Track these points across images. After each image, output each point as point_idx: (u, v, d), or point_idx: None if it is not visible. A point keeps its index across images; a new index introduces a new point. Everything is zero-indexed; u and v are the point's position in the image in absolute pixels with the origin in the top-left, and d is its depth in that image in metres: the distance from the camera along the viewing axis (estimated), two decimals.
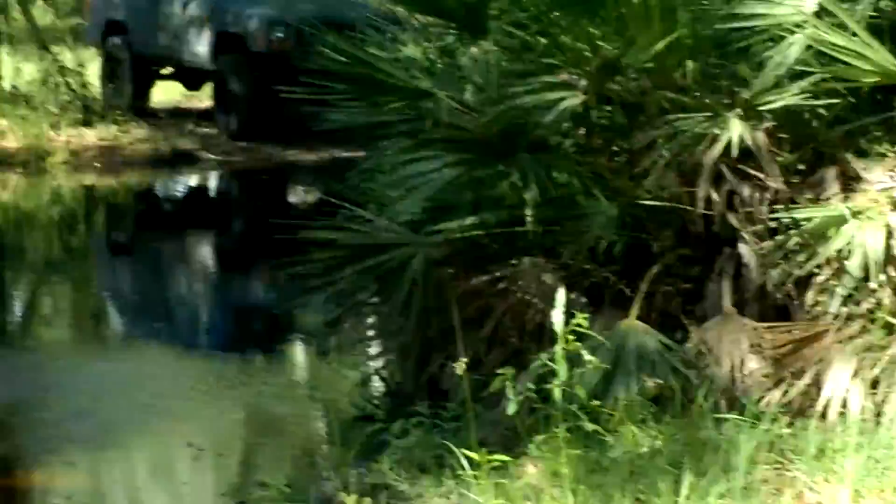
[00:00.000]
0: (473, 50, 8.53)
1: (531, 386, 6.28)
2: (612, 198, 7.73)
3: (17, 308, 13.20)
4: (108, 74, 22.58)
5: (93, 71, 22.58)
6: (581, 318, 6.17)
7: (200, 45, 20.42)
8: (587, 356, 6.27)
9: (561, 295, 6.22)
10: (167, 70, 22.13)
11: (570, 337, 6.06)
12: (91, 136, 20.44)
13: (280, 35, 18.87)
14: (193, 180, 20.23)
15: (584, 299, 7.74)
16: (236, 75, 19.31)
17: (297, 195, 18.84)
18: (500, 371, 6.13)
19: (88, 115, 20.83)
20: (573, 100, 7.54)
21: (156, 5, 21.34)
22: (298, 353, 10.56)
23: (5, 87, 21.51)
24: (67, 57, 22.45)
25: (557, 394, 6.00)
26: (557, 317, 6.11)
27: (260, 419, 9.21)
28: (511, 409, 6.20)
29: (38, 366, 10.43)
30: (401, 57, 8.94)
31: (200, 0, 20.36)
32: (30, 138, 19.88)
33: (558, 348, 6.05)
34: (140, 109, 21.72)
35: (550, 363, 6.10)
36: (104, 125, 20.69)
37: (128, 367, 10.46)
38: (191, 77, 21.89)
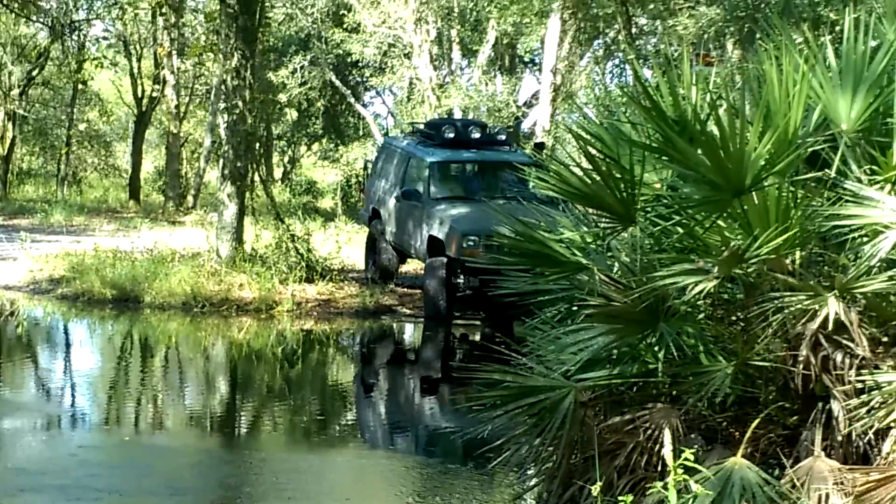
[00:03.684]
0: (623, 234, 8.64)
1: None
2: (728, 358, 7.80)
3: (244, 421, 13.52)
4: (370, 249, 23.42)
5: (317, 239, 23.19)
6: (689, 454, 6.29)
7: (419, 244, 20.89)
8: (693, 486, 6.39)
9: (668, 435, 6.36)
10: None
11: (680, 470, 6.19)
12: (312, 291, 21.05)
13: (471, 244, 19.16)
14: (389, 330, 20.55)
15: (701, 439, 7.81)
16: (432, 273, 19.65)
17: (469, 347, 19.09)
18: (622, 497, 6.24)
19: (310, 273, 21.46)
20: (707, 283, 7.55)
21: (399, 204, 21.87)
22: (467, 470, 10.66)
23: (246, 249, 22.12)
24: (297, 227, 23.08)
25: None
26: (668, 453, 6.26)
27: None
28: None
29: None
30: (563, 238, 9.10)
31: (423, 207, 20.79)
32: (263, 291, 20.47)
33: (670, 479, 6.17)
34: (389, 278, 22.53)
35: (664, 491, 6.22)
36: (323, 282, 21.28)
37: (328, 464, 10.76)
38: None
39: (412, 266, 24.31)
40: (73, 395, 14.29)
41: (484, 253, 18.43)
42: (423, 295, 20.11)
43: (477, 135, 22.16)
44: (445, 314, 19.63)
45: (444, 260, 19.50)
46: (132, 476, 10.29)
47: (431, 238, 20.17)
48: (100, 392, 14.55)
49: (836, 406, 7.34)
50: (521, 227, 9.05)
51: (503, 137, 22.73)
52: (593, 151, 8.47)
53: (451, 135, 21.96)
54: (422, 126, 24.19)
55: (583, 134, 8.89)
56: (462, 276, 19.36)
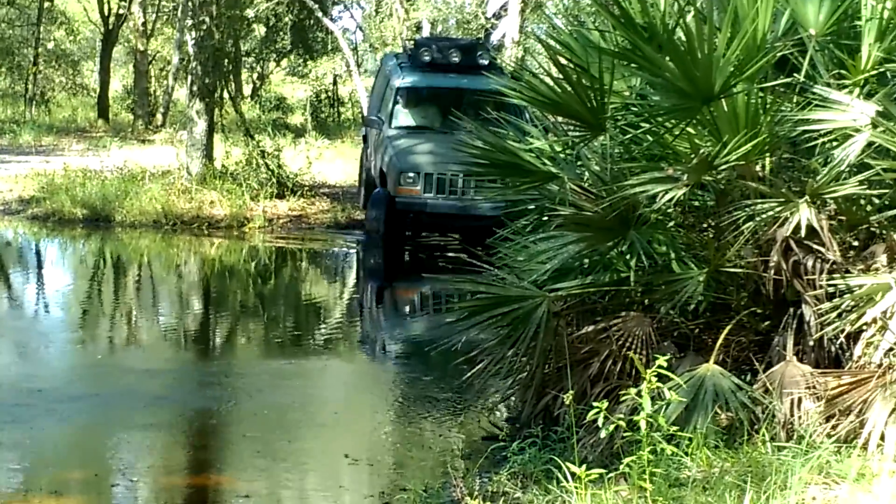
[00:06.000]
0: (593, 143, 8.60)
1: (622, 416, 6.40)
2: (700, 265, 7.80)
3: (217, 335, 13.51)
4: (361, 166, 22.88)
5: (287, 155, 23.02)
6: (663, 361, 6.30)
7: (375, 173, 20.14)
8: (668, 392, 6.41)
9: (645, 343, 6.37)
10: None
11: (654, 377, 6.19)
12: (283, 207, 21.02)
13: (409, 181, 18.25)
14: (360, 244, 20.33)
15: (673, 347, 7.82)
16: (373, 205, 19.00)
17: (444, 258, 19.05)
18: (596, 404, 6.25)
19: (282, 189, 21.40)
20: (677, 191, 7.55)
21: (368, 130, 21.32)
22: (443, 381, 10.65)
23: (217, 166, 22.01)
24: (267, 143, 22.94)
25: (643, 423, 6.14)
26: (642, 361, 6.27)
27: (407, 432, 9.35)
28: (603, 433, 6.35)
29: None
30: (532, 148, 9.06)
31: (383, 135, 19.86)
32: (234, 208, 20.42)
33: (644, 386, 6.18)
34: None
35: (638, 398, 6.23)
36: (294, 198, 21.23)
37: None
38: None
39: None
40: (45, 315, 14.23)
41: (422, 191, 18.03)
42: (364, 224, 19.66)
43: (457, 59, 20.44)
44: (382, 246, 18.91)
45: (387, 193, 18.80)
46: (107, 390, 10.29)
47: (381, 171, 19.49)
48: (73, 311, 14.50)
49: (807, 311, 7.36)
50: (492, 138, 9.01)
51: (486, 63, 20.41)
52: (563, 60, 8.42)
53: (428, 58, 20.50)
54: (412, 44, 23.34)
55: (552, 43, 8.83)
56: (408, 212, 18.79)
